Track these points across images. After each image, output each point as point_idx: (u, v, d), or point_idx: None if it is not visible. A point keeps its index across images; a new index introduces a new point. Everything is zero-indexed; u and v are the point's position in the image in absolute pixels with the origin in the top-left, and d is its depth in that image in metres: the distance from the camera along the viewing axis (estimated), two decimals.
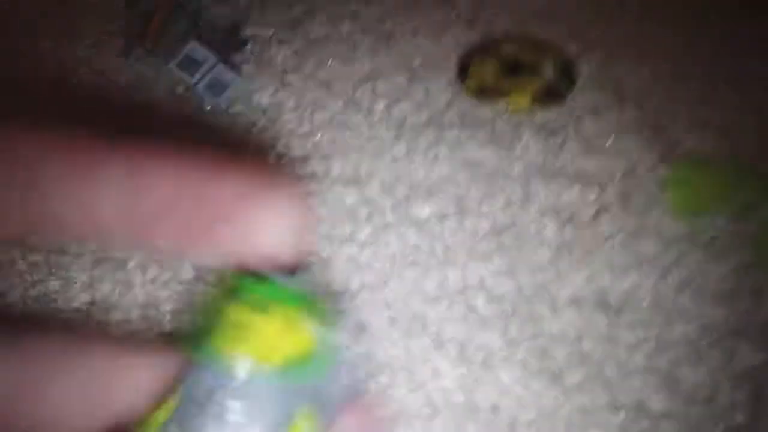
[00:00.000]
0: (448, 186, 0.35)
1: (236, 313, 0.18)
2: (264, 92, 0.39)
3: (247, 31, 0.42)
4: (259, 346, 0.18)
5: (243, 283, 0.18)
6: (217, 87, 0.39)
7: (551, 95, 0.37)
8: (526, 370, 0.30)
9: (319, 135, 0.37)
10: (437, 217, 0.34)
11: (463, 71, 0.38)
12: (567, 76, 0.37)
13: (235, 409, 0.17)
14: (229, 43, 0.41)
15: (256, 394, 0.18)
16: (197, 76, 0.39)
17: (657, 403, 0.29)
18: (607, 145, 0.35)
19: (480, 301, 0.32)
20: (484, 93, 0.37)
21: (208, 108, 0.38)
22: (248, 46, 0.41)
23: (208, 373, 0.18)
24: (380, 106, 0.38)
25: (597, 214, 0.33)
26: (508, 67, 0.38)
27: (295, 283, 0.18)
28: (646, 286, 0.31)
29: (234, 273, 0.19)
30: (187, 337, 0.19)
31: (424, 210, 0.34)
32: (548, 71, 0.38)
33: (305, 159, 0.36)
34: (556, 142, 0.36)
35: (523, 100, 0.36)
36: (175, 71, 0.39)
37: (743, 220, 0.33)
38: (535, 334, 0.31)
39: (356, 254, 0.33)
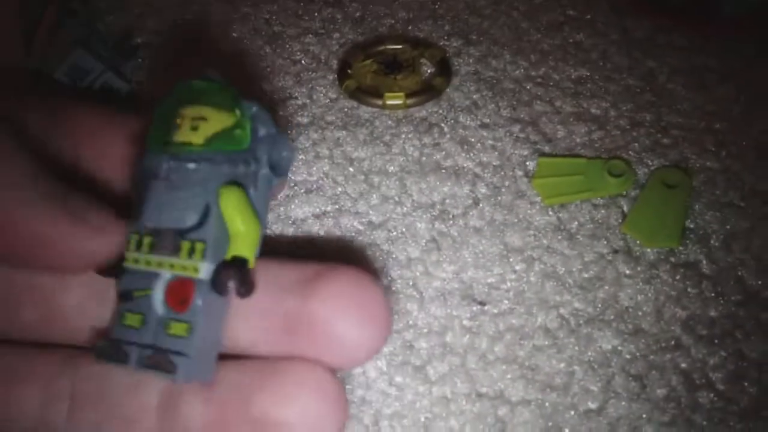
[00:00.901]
0: (327, 185, 0.35)
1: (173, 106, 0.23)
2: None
3: (138, 39, 0.42)
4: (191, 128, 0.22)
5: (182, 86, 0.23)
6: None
7: (427, 92, 0.37)
8: (392, 363, 0.30)
9: None
10: (314, 216, 0.34)
11: (344, 71, 0.38)
12: (443, 73, 0.38)
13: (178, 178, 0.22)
14: (120, 52, 0.41)
15: (188, 166, 0.22)
16: (84, 84, 0.39)
17: (515, 391, 0.29)
18: (480, 140, 0.36)
19: None
20: (363, 92, 0.37)
21: None
22: (139, 54, 0.41)
23: (157, 154, 0.23)
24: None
25: (467, 209, 0.34)
26: (388, 65, 0.38)
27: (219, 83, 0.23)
28: (511, 278, 0.32)
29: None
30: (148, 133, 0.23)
31: (302, 209, 0.35)
32: (425, 69, 0.38)
33: None
34: (433, 138, 0.36)
35: (398, 99, 0.37)
36: (62, 79, 0.39)
37: (606, 209, 0.33)
38: (403, 328, 0.31)
39: None
